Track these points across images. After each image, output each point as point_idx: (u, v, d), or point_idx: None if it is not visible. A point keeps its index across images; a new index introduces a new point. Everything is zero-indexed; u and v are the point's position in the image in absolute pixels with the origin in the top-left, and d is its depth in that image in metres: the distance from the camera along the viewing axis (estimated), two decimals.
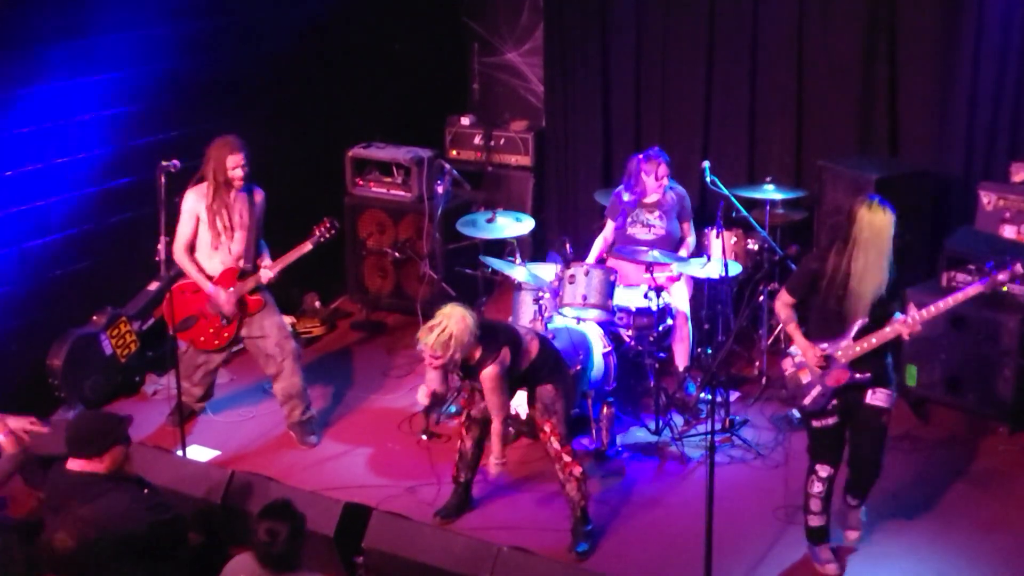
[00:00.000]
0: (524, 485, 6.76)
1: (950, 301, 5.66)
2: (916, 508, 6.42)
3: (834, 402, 5.76)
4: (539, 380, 6.16)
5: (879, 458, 5.91)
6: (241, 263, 6.94)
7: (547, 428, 6.13)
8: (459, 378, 6.25)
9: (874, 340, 5.63)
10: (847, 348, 5.68)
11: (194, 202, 6.83)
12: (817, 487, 5.87)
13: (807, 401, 5.79)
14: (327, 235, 7.05)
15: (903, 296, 5.77)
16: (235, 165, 6.73)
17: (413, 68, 9.63)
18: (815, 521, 5.94)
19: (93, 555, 4.46)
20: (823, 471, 5.86)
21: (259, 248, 7.05)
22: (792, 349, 5.90)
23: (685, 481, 6.79)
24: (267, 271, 6.94)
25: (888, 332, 5.65)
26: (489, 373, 5.95)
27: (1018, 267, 5.56)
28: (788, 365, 5.90)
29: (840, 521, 6.10)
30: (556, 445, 6.12)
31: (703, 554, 5.39)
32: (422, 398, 6.32)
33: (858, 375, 5.69)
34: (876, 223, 5.53)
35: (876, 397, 5.75)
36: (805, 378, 5.80)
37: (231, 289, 6.91)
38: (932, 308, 5.66)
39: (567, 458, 6.12)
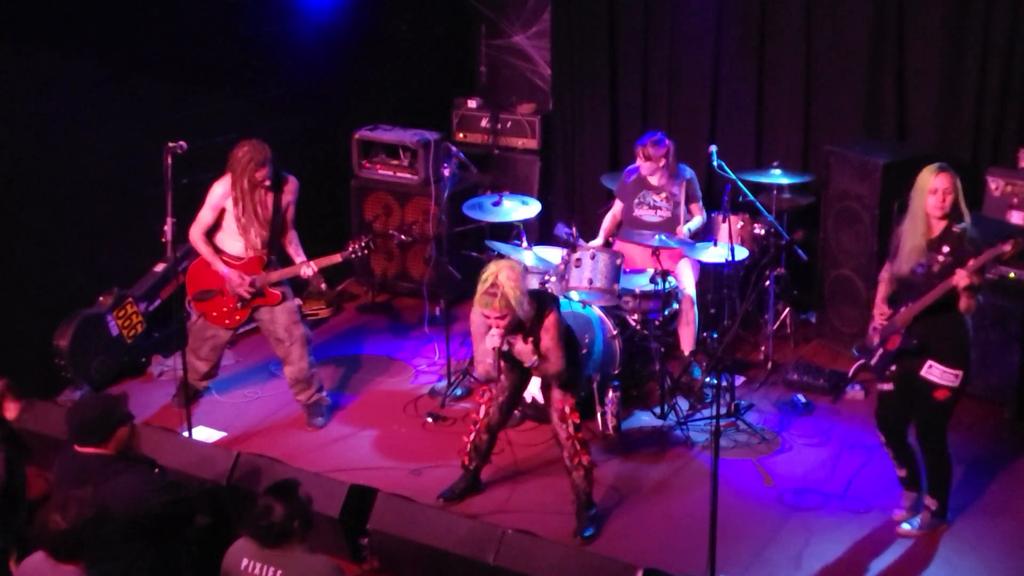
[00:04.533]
0: (529, 468, 6.77)
1: (990, 253, 5.54)
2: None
3: (893, 368, 5.87)
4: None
5: (936, 442, 5.89)
6: (265, 253, 6.95)
7: (567, 409, 6.06)
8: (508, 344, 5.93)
9: (917, 307, 5.67)
10: (903, 314, 5.77)
11: (221, 194, 6.86)
12: (885, 449, 6.11)
13: (873, 362, 5.95)
14: (360, 252, 7.06)
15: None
16: (264, 178, 6.77)
17: (420, 50, 9.62)
18: (897, 471, 6.15)
19: (95, 535, 4.46)
20: (881, 437, 6.06)
21: (291, 238, 7.06)
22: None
23: (690, 465, 6.80)
24: (307, 268, 6.95)
25: (933, 292, 5.61)
26: (552, 320, 5.85)
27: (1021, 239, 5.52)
28: (871, 326, 6.02)
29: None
30: (571, 430, 6.07)
31: (707, 538, 5.39)
32: (484, 371, 6.05)
33: (905, 341, 5.75)
34: (917, 181, 5.67)
35: (930, 371, 5.73)
36: (875, 339, 5.93)
37: (254, 277, 6.93)
38: (974, 261, 5.54)
39: (578, 446, 6.09)
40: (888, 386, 5.95)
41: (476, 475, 6.52)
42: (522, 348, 5.90)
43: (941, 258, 5.63)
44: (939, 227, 5.66)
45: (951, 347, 5.72)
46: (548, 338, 5.90)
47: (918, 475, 6.12)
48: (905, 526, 6.05)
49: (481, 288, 5.74)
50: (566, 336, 6.11)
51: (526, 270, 5.83)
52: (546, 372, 6.00)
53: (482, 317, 5.86)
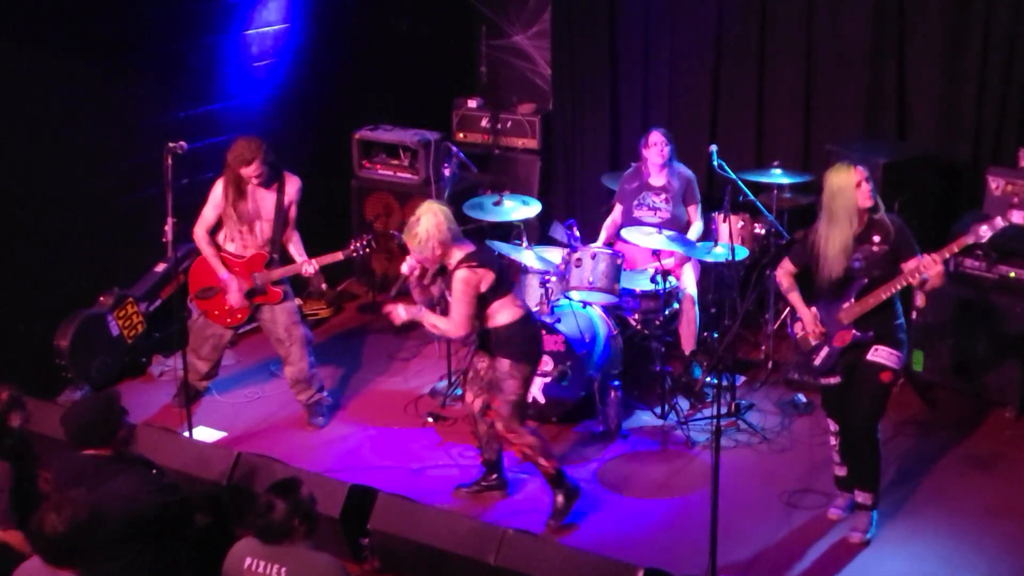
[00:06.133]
0: (530, 468, 6.76)
1: (954, 247, 5.68)
2: (922, 492, 6.42)
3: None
4: (501, 350, 6.09)
5: (872, 429, 5.91)
6: (267, 251, 6.95)
7: (493, 405, 6.15)
8: (433, 282, 6.23)
9: (871, 300, 5.75)
10: (849, 309, 5.81)
11: (221, 193, 6.87)
12: (832, 440, 6.15)
13: (817, 362, 5.97)
14: (361, 251, 7.05)
15: (912, 251, 5.73)
16: (249, 176, 6.78)
17: (420, 50, 9.61)
18: (837, 471, 6.20)
19: (90, 538, 4.44)
20: (832, 426, 6.12)
21: (292, 237, 7.05)
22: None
23: (690, 465, 6.80)
24: (308, 265, 6.94)
25: (889, 285, 5.71)
26: (461, 275, 5.94)
27: (998, 220, 5.61)
28: (798, 329, 6.07)
29: (850, 519, 6.11)
30: (500, 425, 6.14)
31: (707, 538, 5.39)
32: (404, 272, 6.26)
33: (860, 334, 5.81)
34: (833, 183, 5.73)
35: (877, 354, 5.81)
36: (814, 341, 5.96)
37: (256, 275, 6.93)
38: (936, 255, 5.62)
39: (512, 438, 6.14)
40: (836, 379, 5.99)
41: (494, 467, 6.48)
42: (418, 294, 6.16)
43: (875, 248, 5.73)
44: (863, 219, 5.74)
45: (893, 332, 5.84)
46: (452, 296, 6.02)
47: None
48: (856, 535, 6.01)
49: (408, 222, 6.03)
50: (528, 344, 6.13)
51: (452, 221, 6.03)
52: (435, 328, 6.11)
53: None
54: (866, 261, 5.74)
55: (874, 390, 5.86)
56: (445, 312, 6.13)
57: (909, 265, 5.70)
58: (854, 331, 5.82)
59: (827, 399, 6.12)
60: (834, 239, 5.72)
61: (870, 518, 6.03)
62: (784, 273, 6.06)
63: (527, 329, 6.15)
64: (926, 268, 5.62)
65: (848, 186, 5.67)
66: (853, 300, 5.80)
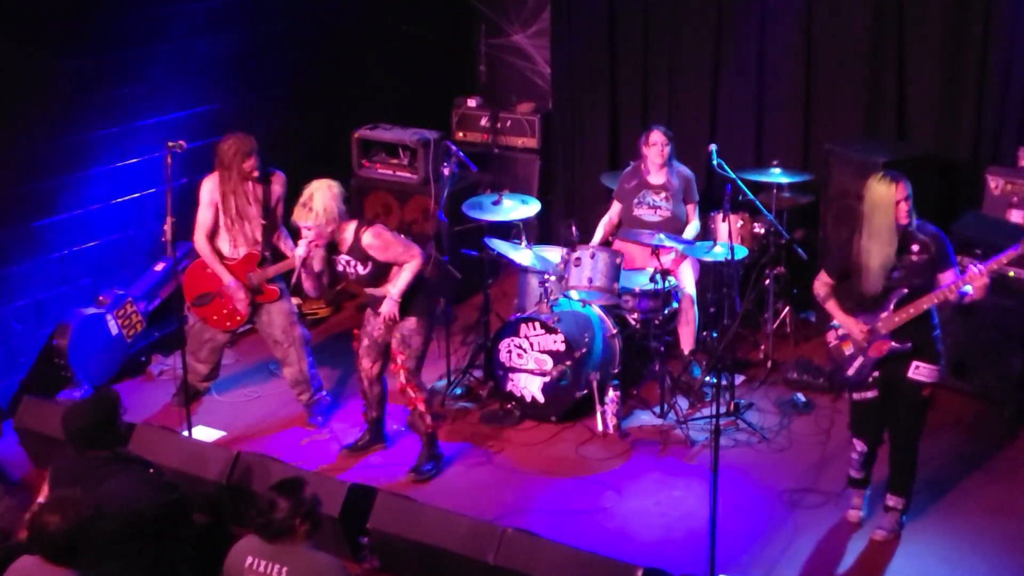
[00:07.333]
0: (529, 468, 6.77)
1: (1002, 259, 5.62)
2: (921, 492, 6.40)
3: (875, 374, 5.84)
4: (410, 309, 6.37)
5: (916, 440, 5.91)
6: (258, 249, 6.95)
7: (399, 360, 6.45)
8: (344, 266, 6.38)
9: (912, 310, 5.68)
10: (887, 319, 5.73)
11: (211, 191, 6.87)
12: (855, 456, 6.10)
13: (850, 372, 5.89)
14: None
15: (949, 262, 5.70)
16: (251, 169, 6.79)
17: (420, 50, 9.61)
18: (854, 474, 6.17)
19: (91, 535, 4.44)
20: (859, 446, 6.05)
21: (280, 234, 7.05)
22: (835, 322, 5.97)
23: (690, 465, 6.80)
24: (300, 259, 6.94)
25: (930, 297, 5.64)
26: (371, 232, 6.20)
27: None
28: (832, 337, 6.00)
29: (876, 518, 6.10)
30: (402, 379, 6.46)
31: (707, 538, 5.39)
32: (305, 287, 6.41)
33: (898, 345, 5.73)
34: (874, 196, 5.62)
35: (919, 372, 5.76)
36: (848, 350, 5.89)
37: (251, 275, 6.92)
38: (982, 267, 5.55)
39: (411, 392, 6.49)
40: (872, 393, 5.90)
41: (376, 426, 6.82)
42: (321, 259, 6.25)
43: (915, 258, 5.67)
44: (900, 232, 5.68)
45: (932, 344, 5.79)
46: (379, 248, 6.23)
47: (871, 474, 6.17)
48: (879, 532, 6.01)
49: (299, 202, 6.15)
50: (431, 302, 6.47)
51: (343, 194, 6.27)
52: (410, 279, 6.25)
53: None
54: (905, 271, 5.65)
55: (917, 406, 5.85)
56: (330, 283, 6.46)
57: (946, 278, 5.64)
58: (892, 342, 5.74)
59: (859, 417, 6.00)
60: (875, 253, 5.61)
61: (898, 520, 6.01)
62: (820, 284, 5.94)
63: (424, 286, 6.46)
64: (972, 280, 5.53)
65: (889, 203, 5.55)
66: (892, 310, 5.71)
